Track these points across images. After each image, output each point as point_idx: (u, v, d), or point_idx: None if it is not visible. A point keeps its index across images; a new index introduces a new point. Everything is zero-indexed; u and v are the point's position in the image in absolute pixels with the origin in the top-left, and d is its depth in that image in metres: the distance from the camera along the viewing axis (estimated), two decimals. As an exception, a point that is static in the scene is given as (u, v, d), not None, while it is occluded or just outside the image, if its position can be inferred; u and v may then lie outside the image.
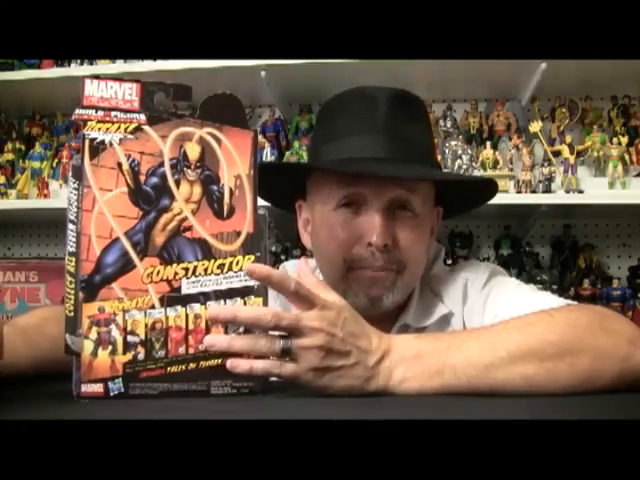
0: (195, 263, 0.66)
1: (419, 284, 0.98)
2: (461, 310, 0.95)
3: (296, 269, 0.72)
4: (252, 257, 0.67)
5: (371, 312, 0.88)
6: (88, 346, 0.63)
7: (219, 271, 0.66)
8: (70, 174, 0.64)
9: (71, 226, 0.63)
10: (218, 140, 0.67)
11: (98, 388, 0.62)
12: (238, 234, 0.67)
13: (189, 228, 0.66)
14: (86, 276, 0.63)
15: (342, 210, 0.88)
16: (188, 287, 0.66)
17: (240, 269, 0.66)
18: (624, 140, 1.89)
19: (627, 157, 1.89)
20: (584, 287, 1.91)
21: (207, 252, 0.66)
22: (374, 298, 0.88)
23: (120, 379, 0.63)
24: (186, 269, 0.66)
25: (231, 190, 0.67)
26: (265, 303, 0.67)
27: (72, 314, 0.62)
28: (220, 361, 0.65)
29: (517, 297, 0.88)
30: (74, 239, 0.63)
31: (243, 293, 0.67)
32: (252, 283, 0.67)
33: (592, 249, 2.02)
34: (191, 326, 0.65)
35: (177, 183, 0.66)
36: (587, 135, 1.95)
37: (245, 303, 0.66)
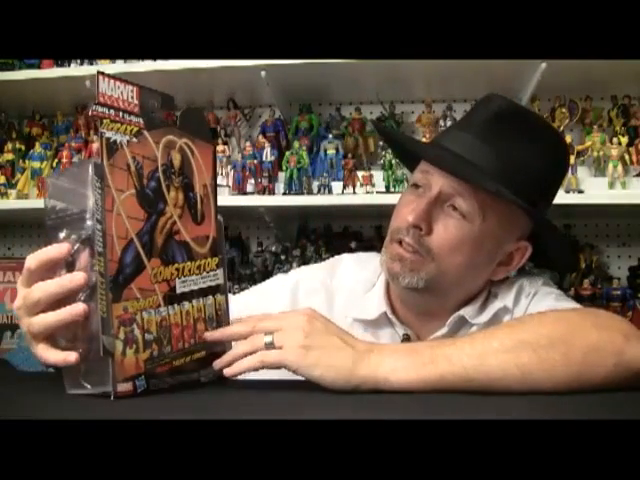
0: (183, 264, 0.70)
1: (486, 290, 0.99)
2: (511, 313, 0.97)
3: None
4: (217, 259, 0.74)
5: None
6: (118, 346, 0.63)
7: (198, 271, 0.72)
8: (93, 173, 0.62)
9: (98, 226, 0.62)
10: (192, 150, 0.72)
11: (128, 386, 0.64)
12: (207, 238, 0.73)
13: (178, 231, 0.70)
14: (112, 276, 0.63)
15: (411, 189, 0.97)
16: (180, 286, 0.70)
17: (211, 269, 0.73)
18: (624, 140, 1.88)
19: (627, 157, 1.88)
20: (584, 287, 1.91)
21: (189, 254, 0.71)
22: (393, 273, 0.93)
23: (143, 376, 0.65)
24: (178, 270, 0.70)
25: (201, 197, 0.72)
26: (226, 300, 0.75)
27: (105, 315, 0.62)
28: (204, 353, 0.72)
29: (553, 304, 0.91)
30: (101, 239, 0.62)
31: (214, 291, 0.74)
32: (221, 281, 0.74)
33: (592, 249, 2.02)
34: (184, 322, 0.70)
35: (168, 188, 0.69)
36: (587, 135, 1.94)
37: (215, 300, 0.74)
